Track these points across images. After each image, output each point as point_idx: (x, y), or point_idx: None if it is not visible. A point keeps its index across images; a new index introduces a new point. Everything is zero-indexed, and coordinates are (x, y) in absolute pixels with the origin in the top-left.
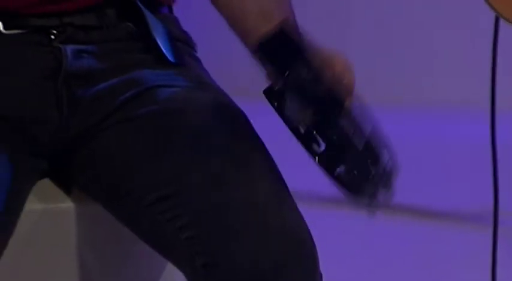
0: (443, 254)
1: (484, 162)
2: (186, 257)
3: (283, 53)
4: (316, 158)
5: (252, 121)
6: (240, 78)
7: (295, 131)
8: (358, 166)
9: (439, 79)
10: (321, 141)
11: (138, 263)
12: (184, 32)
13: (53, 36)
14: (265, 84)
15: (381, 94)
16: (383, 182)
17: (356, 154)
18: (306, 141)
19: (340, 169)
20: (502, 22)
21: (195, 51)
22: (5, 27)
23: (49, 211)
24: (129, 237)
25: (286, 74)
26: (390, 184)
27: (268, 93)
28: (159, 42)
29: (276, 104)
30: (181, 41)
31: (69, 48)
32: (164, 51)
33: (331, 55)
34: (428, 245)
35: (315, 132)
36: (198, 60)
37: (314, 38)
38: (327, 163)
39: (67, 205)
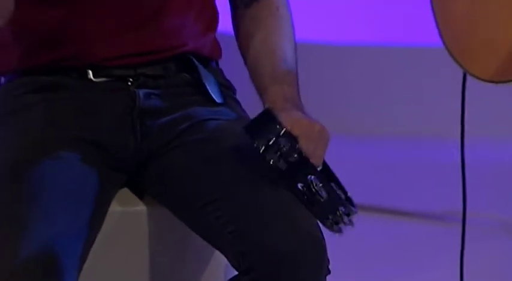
0: (421, 247)
1: (455, 175)
2: (228, 245)
3: (266, 127)
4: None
5: None
6: None
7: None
8: (323, 208)
9: (422, 116)
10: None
11: (192, 251)
12: (227, 80)
13: (129, 83)
14: None
15: (380, 127)
16: (341, 218)
17: (319, 199)
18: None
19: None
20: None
21: (235, 95)
22: (94, 76)
23: (127, 212)
24: (186, 231)
25: (267, 143)
26: (347, 220)
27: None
28: (208, 88)
29: (258, 147)
30: (225, 87)
31: (142, 92)
32: (212, 94)
33: (310, 125)
34: (409, 239)
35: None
36: (237, 101)
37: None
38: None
39: (140, 207)
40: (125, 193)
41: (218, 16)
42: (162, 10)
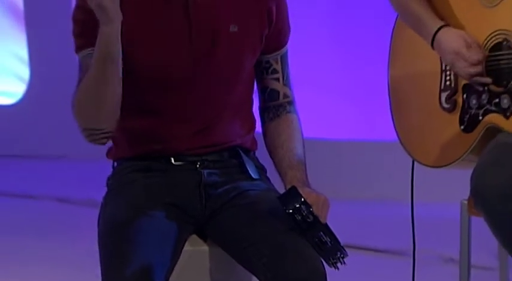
0: (384, 275)
1: (407, 223)
2: (262, 273)
3: (293, 199)
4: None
5: None
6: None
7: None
8: (329, 251)
9: (386, 187)
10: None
11: (238, 276)
12: (261, 164)
13: (197, 165)
14: None
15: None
16: (338, 260)
17: (329, 245)
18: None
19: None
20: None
21: (266, 173)
22: (174, 161)
23: (195, 251)
24: (234, 263)
25: (294, 208)
26: (342, 261)
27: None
28: (248, 169)
29: (288, 211)
30: (259, 168)
31: (205, 171)
32: (251, 173)
33: (317, 197)
34: (372, 270)
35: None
36: (267, 177)
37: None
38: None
39: (204, 248)
40: (194, 238)
41: (255, 122)
42: (217, 118)
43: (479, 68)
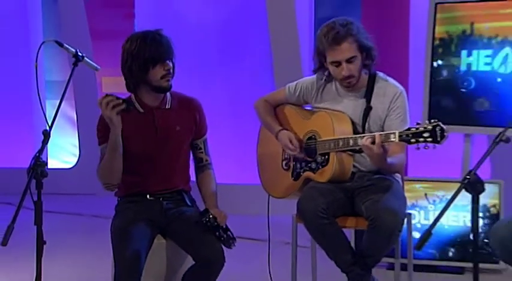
0: (254, 252)
1: (266, 224)
2: (191, 254)
3: (205, 214)
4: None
5: None
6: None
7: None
8: (225, 240)
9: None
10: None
11: (183, 257)
12: (193, 198)
13: (161, 199)
14: None
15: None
16: (231, 244)
17: (225, 237)
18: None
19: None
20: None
21: (195, 202)
22: (149, 197)
23: (159, 243)
24: (180, 250)
25: (207, 219)
26: (233, 245)
27: (201, 218)
28: (187, 200)
29: (204, 222)
30: (192, 200)
31: (165, 202)
32: (188, 203)
33: (220, 213)
34: (249, 249)
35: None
36: (196, 205)
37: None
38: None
39: (163, 241)
40: (159, 236)
41: (190, 177)
42: (170, 175)
43: (296, 151)
